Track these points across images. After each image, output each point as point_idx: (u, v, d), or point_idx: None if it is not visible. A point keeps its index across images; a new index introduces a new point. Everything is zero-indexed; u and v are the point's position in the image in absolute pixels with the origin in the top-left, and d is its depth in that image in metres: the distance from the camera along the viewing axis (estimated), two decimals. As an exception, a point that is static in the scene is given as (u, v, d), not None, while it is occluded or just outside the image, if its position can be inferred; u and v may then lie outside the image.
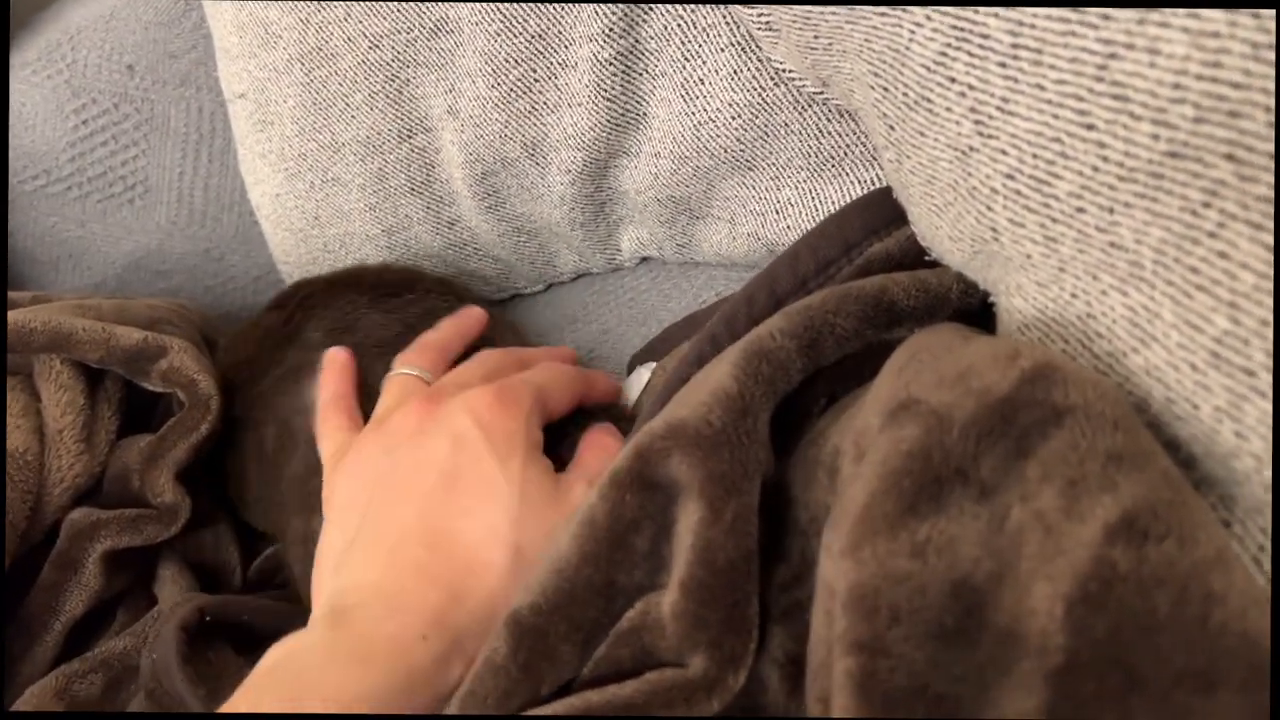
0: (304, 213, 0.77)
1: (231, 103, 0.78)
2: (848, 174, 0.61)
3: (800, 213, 0.63)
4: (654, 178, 0.66)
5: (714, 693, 0.41)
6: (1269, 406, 0.33)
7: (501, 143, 0.68)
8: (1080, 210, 0.39)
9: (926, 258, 0.52)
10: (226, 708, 0.41)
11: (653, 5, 0.60)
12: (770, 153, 0.61)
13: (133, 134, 0.83)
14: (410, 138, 0.71)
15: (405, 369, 0.58)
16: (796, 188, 0.63)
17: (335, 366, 0.61)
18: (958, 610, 0.33)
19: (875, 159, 0.60)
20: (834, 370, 0.49)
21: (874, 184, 0.61)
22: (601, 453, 0.54)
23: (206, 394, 0.62)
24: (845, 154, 0.60)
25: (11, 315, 0.63)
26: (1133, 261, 0.37)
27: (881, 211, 0.54)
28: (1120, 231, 0.38)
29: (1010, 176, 0.42)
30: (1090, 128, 0.38)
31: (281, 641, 0.45)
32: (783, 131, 0.60)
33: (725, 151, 0.62)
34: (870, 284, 0.48)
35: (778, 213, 0.65)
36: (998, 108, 0.41)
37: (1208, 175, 0.34)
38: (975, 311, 0.50)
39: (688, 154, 0.63)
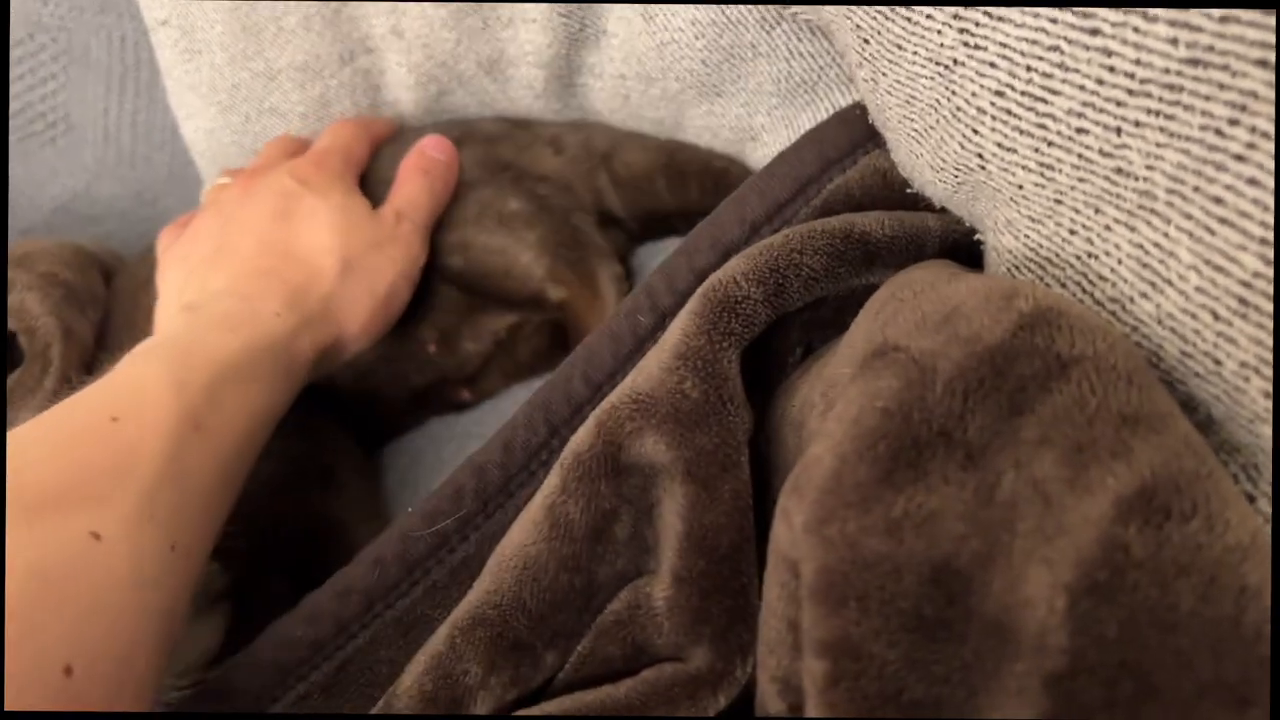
0: (241, 147, 0.71)
1: (154, 31, 0.71)
2: (822, 99, 0.55)
3: (775, 139, 0.58)
4: (624, 100, 0.61)
5: (720, 687, 0.38)
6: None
7: (455, 61, 0.62)
8: (1081, 131, 0.34)
9: (909, 189, 0.46)
10: (113, 371, 0.44)
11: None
12: (738, 77, 0.56)
13: (50, 66, 0.76)
14: (352, 60, 0.66)
15: (221, 179, 0.65)
16: (769, 114, 0.57)
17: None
18: (938, 598, 0.29)
19: (851, 82, 0.55)
20: (809, 317, 0.44)
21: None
22: (406, 190, 0.60)
23: (44, 342, 0.56)
24: (819, 78, 0.54)
25: None
26: (1143, 191, 0.32)
27: (838, 140, 0.48)
28: (1128, 155, 0.32)
29: (999, 94, 0.37)
30: (1094, 33, 0.32)
31: (148, 339, 0.49)
32: (750, 53, 0.54)
33: (691, 75, 0.56)
34: (835, 219, 0.43)
35: (754, 139, 0.60)
36: (985, 12, 0.36)
37: (1236, 86, 0.28)
38: (965, 251, 0.45)
39: (653, 75, 0.57)
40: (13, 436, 0.40)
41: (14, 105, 0.78)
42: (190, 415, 0.42)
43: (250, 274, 0.53)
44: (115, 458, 0.40)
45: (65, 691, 0.33)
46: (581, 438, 0.40)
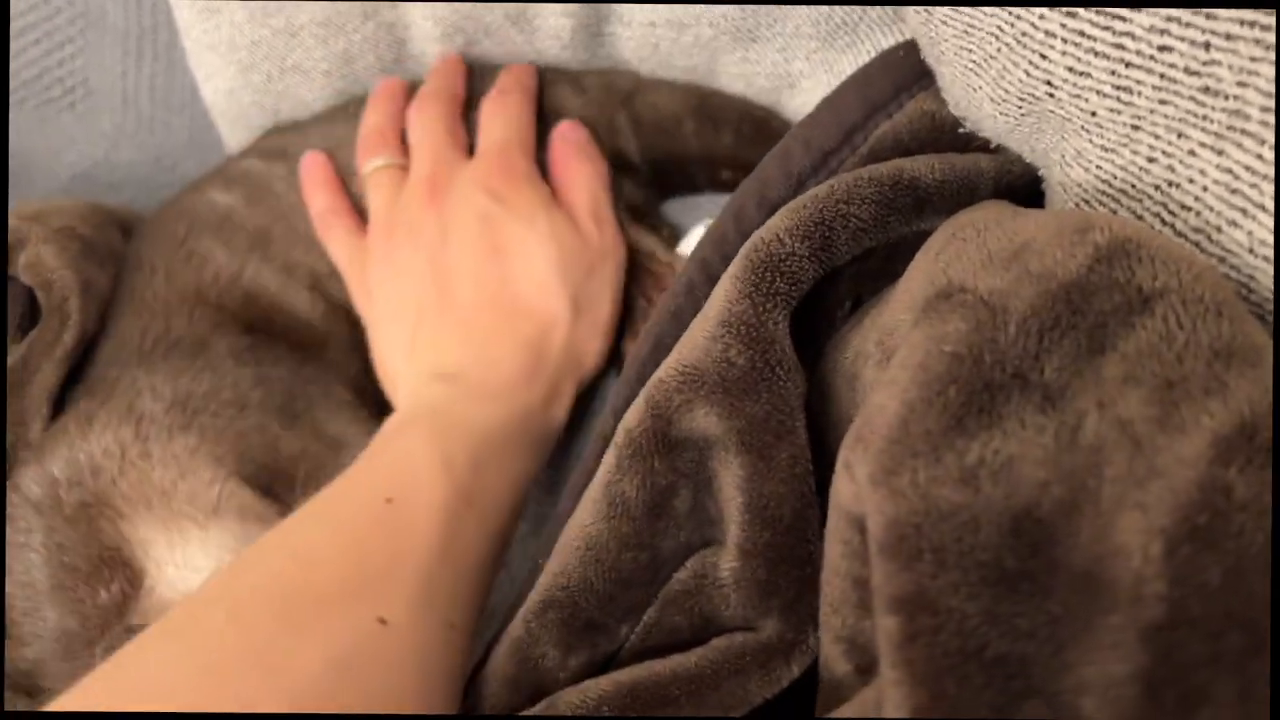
0: (263, 107, 0.69)
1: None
2: (864, 41, 0.52)
3: (814, 85, 0.55)
4: (654, 48, 0.58)
5: (792, 656, 0.37)
6: None
7: (481, 12, 0.60)
8: (1164, 49, 0.31)
9: (961, 129, 0.44)
10: (376, 446, 0.45)
11: None
12: (775, 20, 0.53)
13: (67, 30, 0.74)
14: (375, 14, 0.64)
15: (376, 161, 0.59)
16: (808, 58, 0.54)
17: (315, 176, 0.61)
18: (1021, 549, 0.26)
19: (894, 21, 0.52)
20: (858, 269, 0.42)
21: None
22: (580, 185, 0.56)
23: (61, 295, 0.54)
24: (860, 17, 0.52)
25: None
26: (1233, 111, 0.30)
27: (883, 83, 0.45)
28: (1218, 73, 0.30)
29: (1071, 13, 0.34)
30: (1180, -62, 0.30)
31: (401, 409, 0.49)
32: (788, -6, 0.52)
33: (725, 19, 0.54)
34: (883, 166, 0.41)
35: (791, 87, 0.58)
36: (1057, -75, 0.33)
37: (1343, -15, 0.26)
38: (1023, 194, 0.42)
39: (685, 21, 0.55)
40: (296, 525, 0.41)
41: (30, 71, 0.76)
42: (461, 492, 0.42)
43: (484, 333, 0.51)
44: (394, 541, 0.40)
45: None
46: (632, 415, 0.39)
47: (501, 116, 0.58)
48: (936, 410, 0.28)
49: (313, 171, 0.61)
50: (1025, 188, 0.42)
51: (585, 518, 0.39)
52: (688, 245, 0.59)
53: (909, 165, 0.39)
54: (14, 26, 0.74)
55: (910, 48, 0.45)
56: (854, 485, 0.30)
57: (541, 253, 0.53)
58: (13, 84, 0.76)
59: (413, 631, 0.38)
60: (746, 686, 0.37)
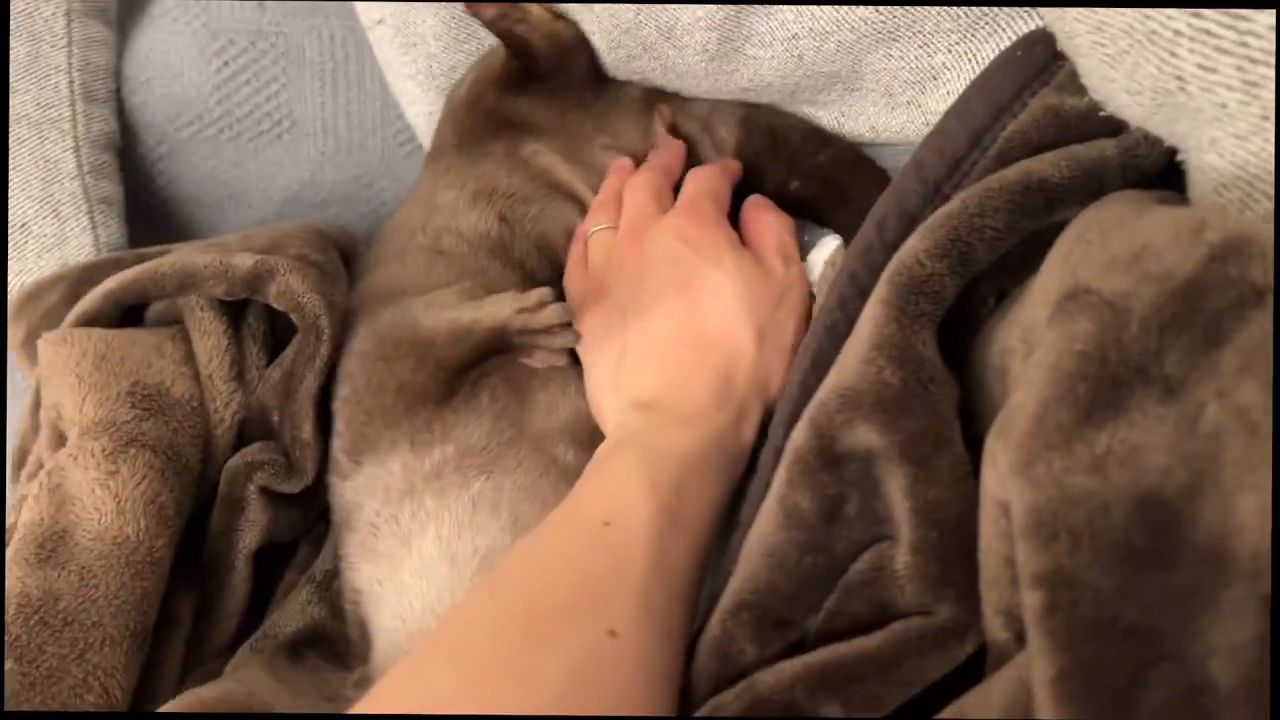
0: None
1: (370, 30, 0.77)
2: (1004, 29, 0.54)
3: (957, 76, 0.57)
4: (797, 60, 0.61)
5: (966, 637, 0.40)
6: None
7: (637, 28, 0.64)
8: (1283, 47, 0.33)
9: (1099, 113, 0.45)
10: (592, 472, 0.50)
11: None
12: (915, 18, 0.55)
13: (271, 69, 0.83)
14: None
15: (596, 226, 0.65)
16: (949, 51, 0.57)
17: (575, 252, 0.67)
18: (1148, 529, 0.29)
19: (1032, 10, 0.53)
20: (997, 267, 0.44)
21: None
22: (768, 229, 0.62)
23: (313, 315, 0.61)
24: (999, 9, 0.53)
25: (145, 265, 0.64)
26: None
27: (1005, 85, 0.47)
28: (1334, 68, 0.31)
29: (1197, 14, 0.36)
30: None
31: (610, 437, 0.55)
32: (929, -12, 0.54)
33: (865, 23, 0.56)
34: (1011, 171, 0.43)
35: (934, 79, 0.60)
36: (1174, -66, 0.35)
37: None
38: (1154, 175, 0.44)
39: (827, 29, 0.58)
40: (531, 549, 0.46)
41: (243, 109, 0.85)
42: (667, 512, 0.47)
43: (677, 365, 0.56)
44: (614, 559, 0.44)
45: None
46: (799, 434, 0.43)
47: (696, 177, 0.65)
48: (1068, 405, 0.31)
49: (575, 246, 0.68)
50: (1155, 170, 0.43)
51: (765, 527, 0.43)
52: (818, 256, 0.62)
53: (1036, 166, 0.42)
54: (226, 70, 0.83)
55: (1027, 45, 0.47)
56: (998, 474, 0.33)
57: (729, 288, 0.57)
58: (227, 121, 0.85)
59: (637, 642, 0.42)
60: (925, 665, 0.40)
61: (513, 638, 0.41)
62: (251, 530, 0.60)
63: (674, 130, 0.70)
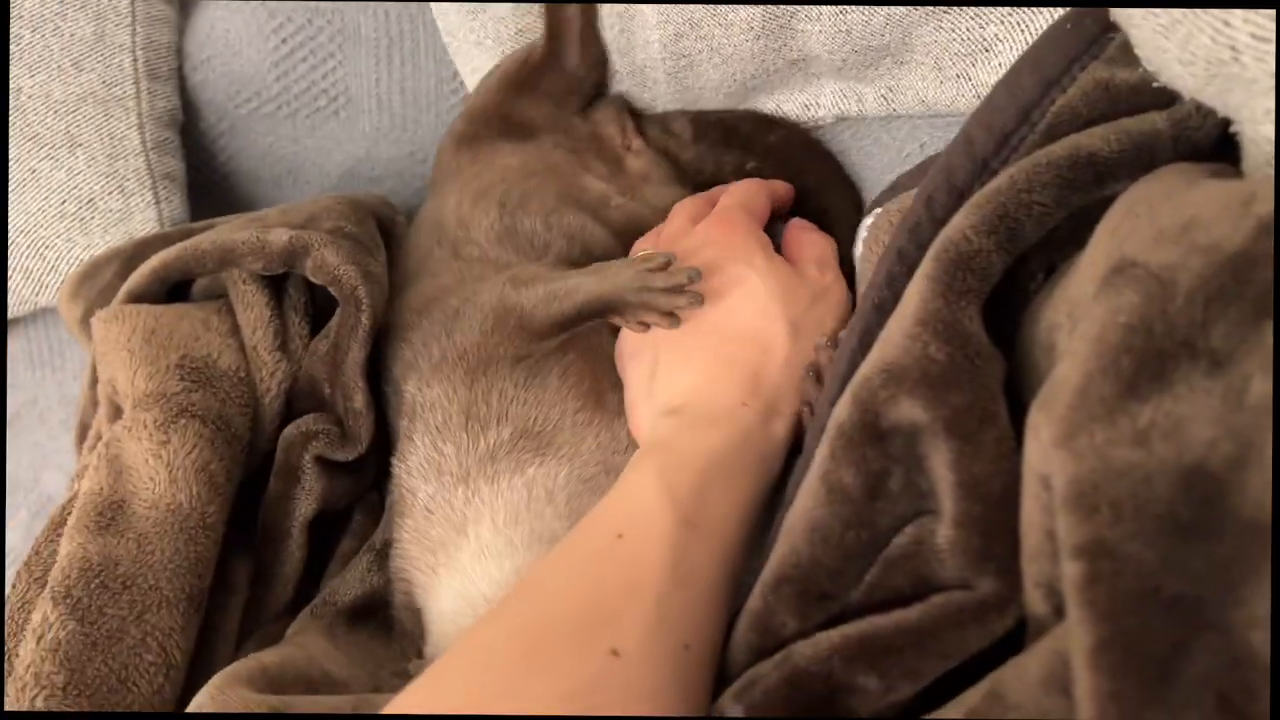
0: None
1: (434, 2, 0.78)
2: (1059, -2, 0.53)
3: (1010, 48, 0.57)
4: (846, 34, 0.61)
5: (1006, 611, 0.40)
6: None
7: (688, 8, 0.65)
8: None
9: (1155, 83, 0.45)
10: (615, 486, 0.50)
11: None
12: (969, -14, 0.55)
13: (328, 46, 0.84)
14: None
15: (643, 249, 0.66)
16: (1001, 22, 0.56)
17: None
18: (1193, 501, 0.29)
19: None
20: (1045, 242, 0.44)
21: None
22: (808, 245, 0.62)
23: (350, 286, 0.63)
24: (1055, -25, 0.53)
25: (187, 242, 0.66)
26: None
27: (1054, 59, 0.47)
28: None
29: (1249, -17, 0.36)
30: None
31: (640, 449, 0.54)
32: (982, -42, 0.54)
33: (918, -9, 0.56)
34: (1060, 146, 0.42)
35: (986, 50, 0.59)
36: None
37: None
38: (1206, 148, 0.43)
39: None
40: (542, 567, 0.46)
41: (300, 85, 0.86)
42: (684, 517, 0.46)
43: (707, 363, 0.55)
44: (626, 572, 0.44)
45: None
46: (842, 410, 0.43)
47: (732, 190, 0.65)
48: (1111, 378, 0.31)
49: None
50: (1208, 143, 0.43)
51: (808, 503, 0.43)
52: (858, 241, 0.61)
53: (1085, 141, 0.41)
54: (285, 48, 0.85)
55: (1077, 18, 0.46)
56: (1040, 447, 0.33)
57: (760, 285, 0.57)
58: (285, 98, 0.87)
59: (645, 659, 0.41)
60: (965, 638, 0.40)
61: (512, 661, 0.41)
62: (307, 498, 0.61)
63: (641, 134, 0.73)
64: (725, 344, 0.56)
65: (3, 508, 0.55)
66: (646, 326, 0.58)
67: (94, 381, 0.67)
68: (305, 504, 0.61)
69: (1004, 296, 0.44)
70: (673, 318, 0.57)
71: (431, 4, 0.79)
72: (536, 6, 0.73)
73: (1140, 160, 0.41)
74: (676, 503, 0.46)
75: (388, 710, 0.42)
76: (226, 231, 0.66)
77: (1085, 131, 0.42)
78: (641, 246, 0.66)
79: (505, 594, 0.46)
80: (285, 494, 0.62)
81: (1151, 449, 0.30)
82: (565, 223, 0.67)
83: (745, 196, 0.64)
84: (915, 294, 0.41)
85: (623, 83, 0.75)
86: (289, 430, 0.63)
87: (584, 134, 0.74)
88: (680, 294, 0.56)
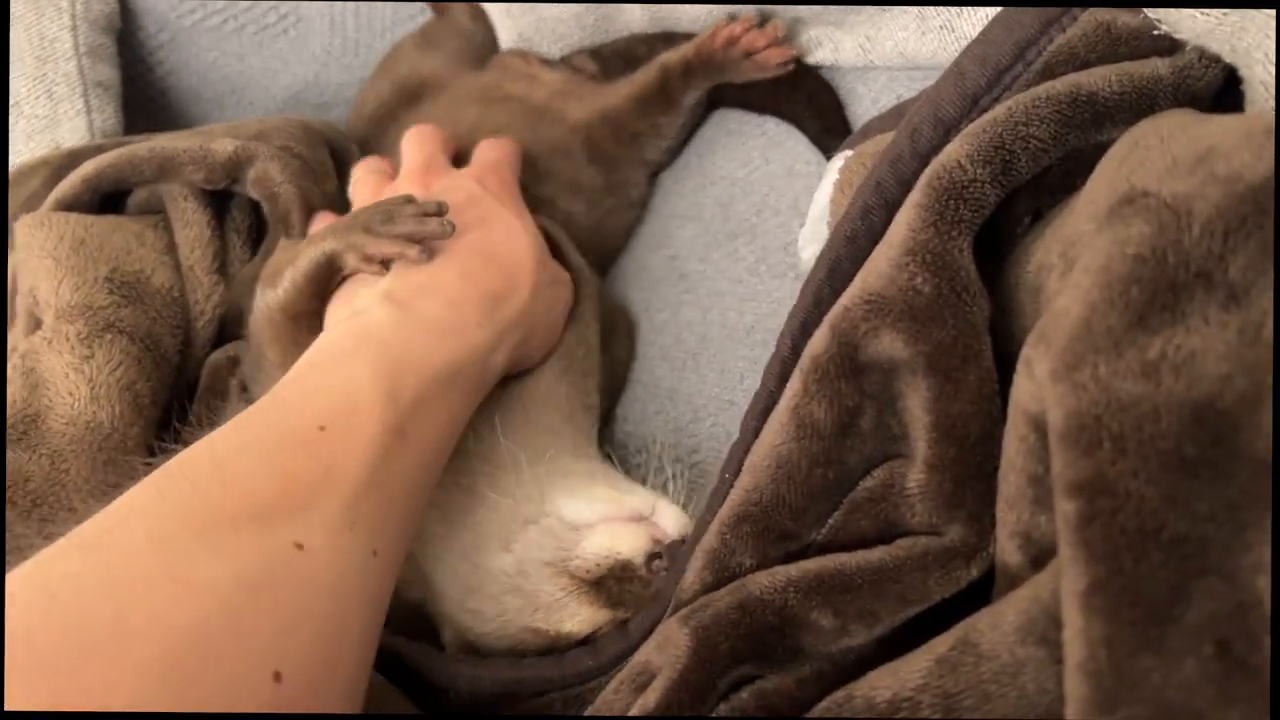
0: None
1: None
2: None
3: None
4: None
5: (973, 560, 0.39)
6: None
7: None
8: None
9: (1156, 31, 0.43)
10: (315, 368, 0.46)
11: None
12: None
13: (282, -41, 0.80)
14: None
15: (363, 168, 0.65)
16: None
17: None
18: (1202, 439, 0.28)
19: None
20: (1037, 183, 0.42)
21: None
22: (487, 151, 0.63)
23: (285, 207, 0.60)
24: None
25: (123, 149, 0.62)
26: None
27: None
28: None
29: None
30: None
31: (345, 317, 0.50)
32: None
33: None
34: (1060, 83, 0.41)
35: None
36: None
37: None
38: (1206, 99, 0.42)
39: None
40: (222, 441, 0.41)
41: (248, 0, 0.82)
42: (396, 426, 0.44)
43: (453, 270, 0.53)
44: (320, 468, 0.41)
45: (276, 696, 0.35)
46: (818, 341, 0.41)
47: (495, 147, 0.64)
48: (1119, 309, 0.29)
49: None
50: (1208, 94, 0.41)
51: (775, 438, 0.41)
52: (825, 182, 0.58)
53: (1086, 80, 0.40)
54: (235, -42, 0.80)
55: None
56: (1033, 383, 0.32)
57: (524, 236, 0.57)
58: (232, 11, 0.82)
59: (331, 557, 0.39)
60: (927, 582, 0.39)
61: (178, 537, 0.36)
62: None
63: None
64: (474, 261, 0.54)
65: (2, 511, 0.51)
66: (385, 267, 0.53)
67: (14, 292, 0.63)
68: None
69: (989, 240, 0.42)
70: (421, 246, 0.53)
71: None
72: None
73: (1140, 105, 0.40)
74: (395, 408, 0.44)
75: (40, 560, 0.35)
76: (167, 139, 0.63)
77: (1086, 71, 0.41)
78: (358, 169, 0.65)
79: (174, 462, 0.40)
80: (208, 419, 0.58)
81: (1160, 382, 0.28)
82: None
83: (510, 159, 0.64)
84: (904, 223, 0.40)
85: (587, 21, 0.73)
86: (215, 355, 0.60)
87: (491, 76, 0.74)
88: (428, 220, 0.53)
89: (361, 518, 0.41)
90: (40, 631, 0.32)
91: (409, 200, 0.54)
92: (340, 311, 0.53)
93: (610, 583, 0.47)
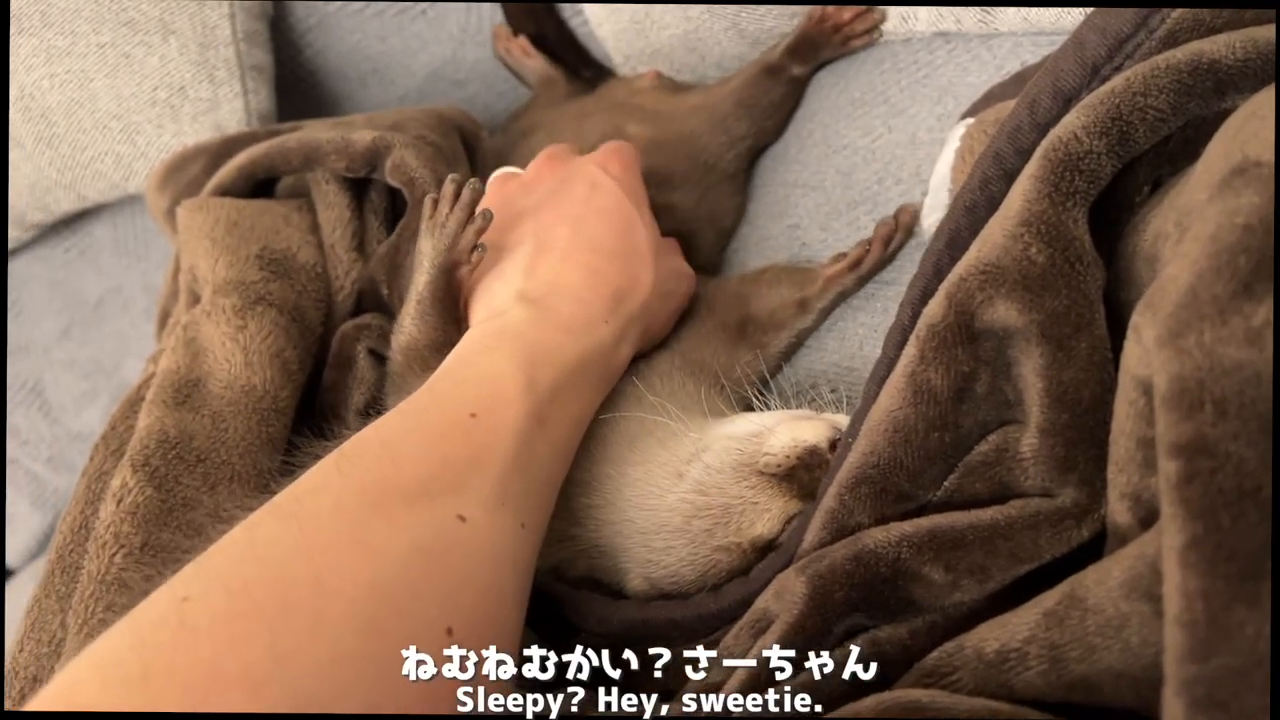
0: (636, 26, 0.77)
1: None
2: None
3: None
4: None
5: (1084, 522, 0.40)
6: None
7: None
8: None
9: (1279, -1, 0.43)
10: (464, 360, 0.51)
11: None
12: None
13: (421, -59, 0.84)
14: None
15: (501, 171, 0.66)
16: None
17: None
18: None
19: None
20: (1156, 153, 0.43)
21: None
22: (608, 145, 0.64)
23: (423, 190, 0.64)
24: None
25: (274, 140, 0.68)
26: None
27: None
28: None
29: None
30: None
31: (485, 317, 0.54)
32: None
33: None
34: (1181, 51, 0.41)
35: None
36: None
37: None
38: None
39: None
40: (388, 427, 0.47)
41: (389, -18, 0.86)
42: (536, 413, 0.48)
43: (578, 269, 0.56)
44: (474, 450, 0.45)
45: (450, 647, 0.40)
46: (934, 309, 0.42)
47: (614, 143, 0.65)
48: (1225, 278, 0.31)
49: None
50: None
51: (892, 404, 0.43)
52: (947, 151, 0.59)
53: (1208, 48, 0.40)
54: (376, -56, 0.84)
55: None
56: (1141, 349, 0.33)
57: (643, 230, 0.59)
58: (374, -6, 0.87)
59: (489, 528, 0.43)
60: (1038, 541, 0.40)
61: (359, 508, 0.42)
62: (360, 387, 0.63)
63: None
64: (599, 258, 0.57)
65: (2, 518, 0.57)
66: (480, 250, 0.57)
67: (177, 272, 0.69)
68: (358, 393, 0.63)
69: (1108, 209, 0.43)
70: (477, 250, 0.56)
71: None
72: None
73: (1265, 72, 0.40)
74: (532, 399, 0.48)
75: (217, 545, 0.41)
76: (313, 131, 0.68)
77: (1208, 38, 0.41)
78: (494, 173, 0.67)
79: (349, 445, 0.45)
80: (340, 383, 0.63)
81: (1263, 348, 0.29)
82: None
83: (634, 150, 0.65)
84: (1020, 194, 0.41)
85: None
86: (345, 325, 0.65)
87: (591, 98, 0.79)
88: (463, 233, 0.56)
89: (510, 495, 0.45)
90: (255, 585, 0.37)
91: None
92: (480, 311, 0.57)
93: (800, 472, 0.49)
